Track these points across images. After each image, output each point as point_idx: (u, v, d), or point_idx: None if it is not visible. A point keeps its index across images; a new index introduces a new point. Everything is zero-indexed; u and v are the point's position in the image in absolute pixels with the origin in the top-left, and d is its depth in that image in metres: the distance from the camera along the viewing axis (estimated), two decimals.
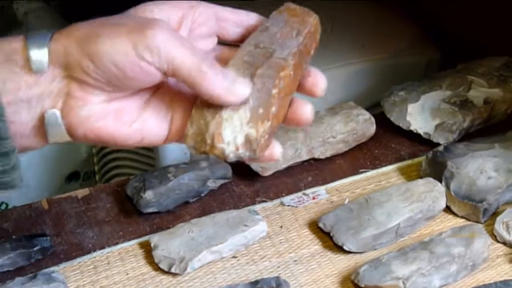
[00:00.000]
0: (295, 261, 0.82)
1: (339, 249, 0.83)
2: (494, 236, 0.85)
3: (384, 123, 1.00)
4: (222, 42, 0.66)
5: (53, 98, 0.59)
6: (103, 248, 0.84)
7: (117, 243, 0.85)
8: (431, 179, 0.88)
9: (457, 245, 0.80)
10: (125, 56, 0.57)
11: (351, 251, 0.82)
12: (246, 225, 0.84)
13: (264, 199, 0.91)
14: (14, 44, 0.58)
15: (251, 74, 0.60)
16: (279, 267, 0.82)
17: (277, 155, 0.62)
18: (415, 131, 0.98)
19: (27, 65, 0.57)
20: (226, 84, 0.57)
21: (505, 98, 1.01)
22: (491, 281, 0.78)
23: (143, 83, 0.59)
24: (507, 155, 0.90)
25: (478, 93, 1.01)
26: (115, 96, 0.60)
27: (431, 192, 0.86)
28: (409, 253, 0.79)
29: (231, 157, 0.60)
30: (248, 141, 0.59)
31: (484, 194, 0.86)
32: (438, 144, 0.95)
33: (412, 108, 0.99)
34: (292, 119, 0.62)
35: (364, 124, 0.97)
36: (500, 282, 0.76)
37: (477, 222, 0.86)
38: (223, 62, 0.61)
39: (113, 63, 0.57)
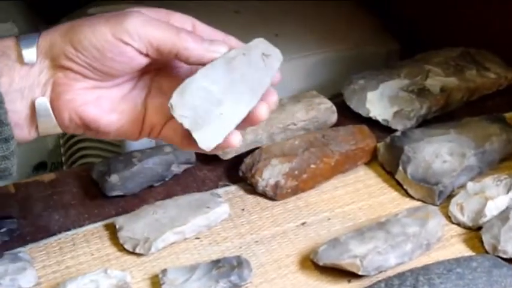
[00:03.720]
0: (256, 242, 0.84)
1: (300, 230, 0.86)
2: (449, 218, 0.87)
3: (344, 111, 1.03)
4: None
5: (42, 88, 0.65)
6: (68, 229, 0.86)
7: (82, 225, 0.86)
8: None
9: (412, 224, 0.82)
10: (104, 38, 0.63)
11: None
12: (208, 207, 0.85)
13: (226, 183, 0.93)
14: (7, 41, 0.64)
15: (306, 148, 0.91)
16: (240, 247, 0.83)
17: (235, 143, 0.67)
18: (374, 118, 1.01)
19: (20, 59, 0.63)
20: (206, 44, 0.65)
21: (460, 86, 1.04)
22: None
23: (124, 65, 0.65)
24: (461, 140, 0.92)
25: (435, 81, 1.03)
26: (97, 85, 0.66)
27: None
28: (366, 233, 0.81)
29: (260, 189, 0.89)
30: (275, 185, 0.88)
31: (440, 177, 0.89)
32: (396, 131, 0.97)
33: (371, 95, 1.02)
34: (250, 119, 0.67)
35: (325, 112, 0.99)
36: (453, 259, 0.78)
37: (433, 204, 0.88)
38: None
39: (92, 45, 0.63)
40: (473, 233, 0.85)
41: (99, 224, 0.87)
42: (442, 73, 1.04)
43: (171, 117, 0.65)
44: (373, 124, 1.01)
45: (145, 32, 0.63)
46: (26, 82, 0.64)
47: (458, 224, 0.87)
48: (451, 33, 1.21)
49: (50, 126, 0.66)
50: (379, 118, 1.00)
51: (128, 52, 0.63)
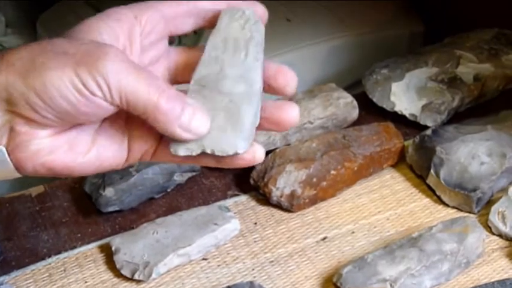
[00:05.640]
0: (271, 262, 0.76)
1: (320, 247, 0.76)
2: (488, 228, 0.78)
3: (366, 104, 0.93)
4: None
5: None
6: (59, 253, 0.77)
7: (74, 247, 0.78)
8: None
9: (449, 240, 0.73)
10: (76, 91, 0.51)
11: None
12: (216, 224, 0.77)
13: (236, 193, 0.84)
14: None
15: (325, 151, 0.82)
16: (253, 269, 0.75)
17: (259, 157, 0.55)
18: (399, 113, 0.92)
19: None
20: (185, 121, 0.52)
21: (496, 73, 0.94)
22: (487, 279, 0.73)
23: (97, 116, 0.53)
24: (501, 138, 0.83)
25: (467, 69, 0.94)
26: (64, 129, 0.54)
27: None
28: (397, 251, 0.72)
29: (274, 200, 0.80)
30: (291, 195, 0.79)
31: (477, 181, 0.79)
32: (425, 127, 0.88)
33: (396, 87, 0.92)
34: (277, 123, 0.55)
35: (345, 108, 0.90)
36: (498, 282, 0.69)
37: (470, 212, 0.80)
38: (183, 65, 0.58)
39: (64, 99, 0.51)
40: None
41: (93, 245, 0.78)
42: (474, 59, 0.95)
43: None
44: (399, 119, 0.91)
45: (119, 86, 0.51)
46: None
47: (500, 235, 0.78)
48: (477, 12, 1.10)
49: (9, 173, 0.55)
50: (406, 113, 0.91)
51: (102, 105, 0.52)
